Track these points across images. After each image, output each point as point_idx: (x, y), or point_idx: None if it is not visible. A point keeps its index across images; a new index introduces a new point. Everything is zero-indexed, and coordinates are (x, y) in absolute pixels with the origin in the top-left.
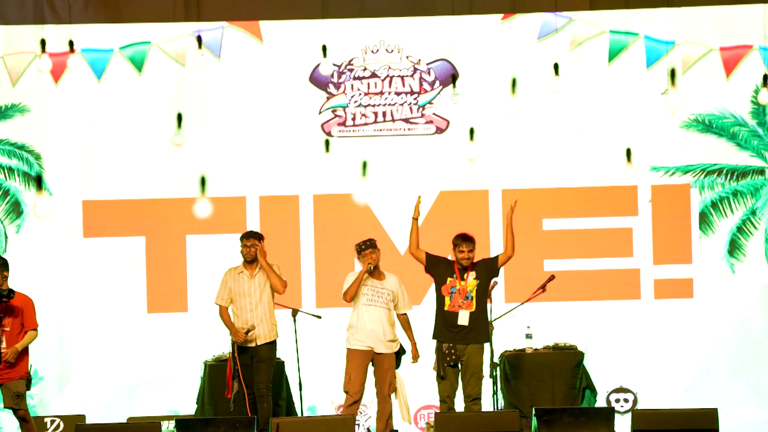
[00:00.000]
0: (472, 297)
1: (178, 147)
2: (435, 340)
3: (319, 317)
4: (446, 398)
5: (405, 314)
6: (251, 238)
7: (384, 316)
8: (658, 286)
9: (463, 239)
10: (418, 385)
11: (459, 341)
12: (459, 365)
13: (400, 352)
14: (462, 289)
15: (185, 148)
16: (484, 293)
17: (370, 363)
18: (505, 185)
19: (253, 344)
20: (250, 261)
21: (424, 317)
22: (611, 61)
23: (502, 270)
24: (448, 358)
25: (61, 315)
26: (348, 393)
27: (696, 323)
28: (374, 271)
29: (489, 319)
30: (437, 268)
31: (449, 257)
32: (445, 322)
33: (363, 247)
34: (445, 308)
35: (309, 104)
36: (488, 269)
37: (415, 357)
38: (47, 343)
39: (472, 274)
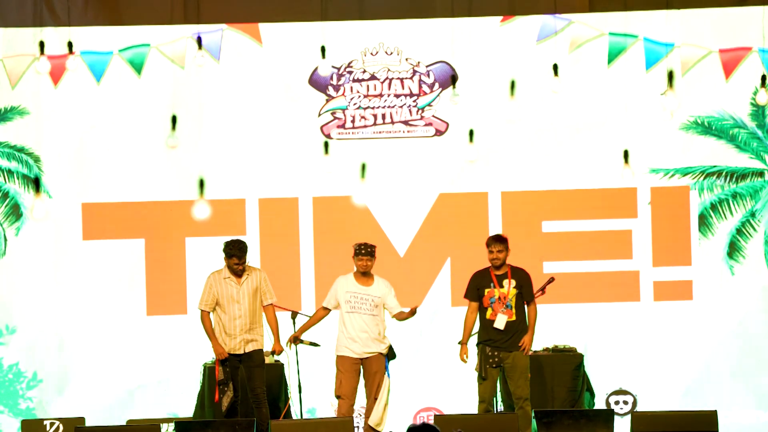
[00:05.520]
0: (511, 306)
1: (172, 149)
2: (479, 345)
3: None
4: (486, 398)
5: (401, 312)
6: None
7: (366, 323)
8: (657, 288)
9: (494, 240)
10: (419, 386)
11: (502, 349)
12: (501, 368)
13: (389, 356)
14: (502, 296)
15: (184, 150)
16: (521, 304)
17: (361, 367)
18: (505, 187)
19: (242, 351)
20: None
21: (422, 319)
22: (610, 63)
23: None
24: (490, 360)
25: (60, 317)
26: (340, 397)
27: (695, 325)
28: (362, 276)
29: (525, 330)
30: (477, 291)
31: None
32: (487, 330)
33: (360, 251)
34: (487, 317)
35: (308, 106)
36: (523, 287)
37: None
38: (47, 346)
39: (511, 282)
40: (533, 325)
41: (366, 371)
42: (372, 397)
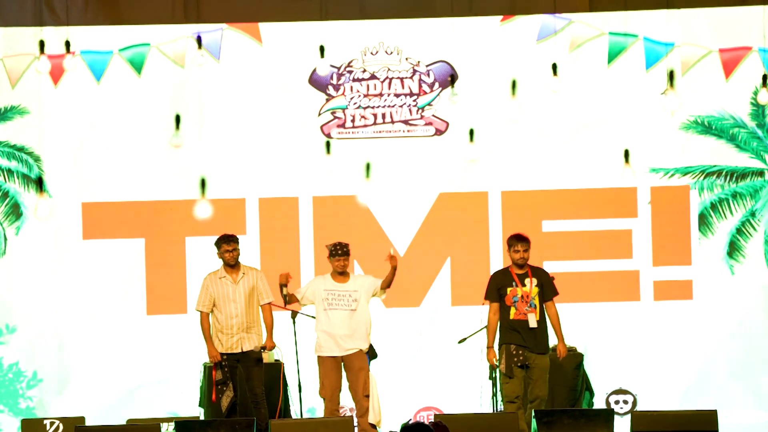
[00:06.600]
0: (535, 305)
1: (176, 149)
2: (502, 345)
3: None
4: (515, 398)
5: (384, 279)
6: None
7: (344, 319)
8: (657, 288)
9: (518, 239)
10: (419, 386)
11: (527, 349)
12: (526, 367)
13: (371, 355)
14: (525, 295)
15: (185, 149)
16: (542, 303)
17: (342, 367)
18: (505, 187)
19: (239, 350)
20: (233, 265)
21: (423, 319)
22: (610, 63)
23: None
24: (515, 359)
25: (60, 317)
26: (324, 399)
27: (695, 325)
28: (339, 275)
29: (546, 330)
30: (499, 291)
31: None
32: (510, 330)
33: (336, 252)
34: (511, 317)
35: (308, 106)
36: (544, 285)
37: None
38: (47, 345)
39: (533, 281)
40: (561, 329)
41: (348, 369)
42: (360, 395)
